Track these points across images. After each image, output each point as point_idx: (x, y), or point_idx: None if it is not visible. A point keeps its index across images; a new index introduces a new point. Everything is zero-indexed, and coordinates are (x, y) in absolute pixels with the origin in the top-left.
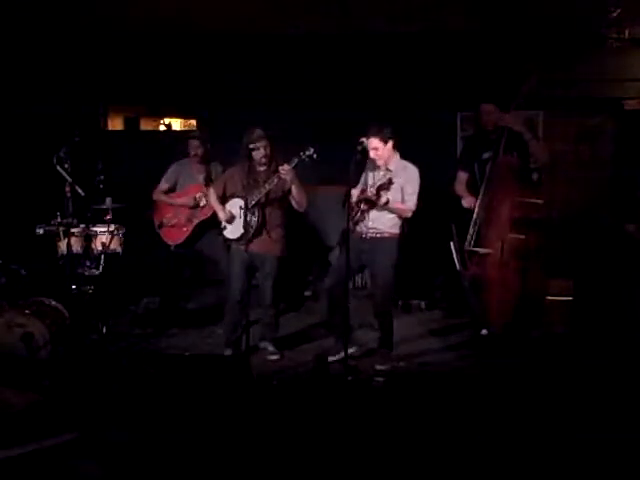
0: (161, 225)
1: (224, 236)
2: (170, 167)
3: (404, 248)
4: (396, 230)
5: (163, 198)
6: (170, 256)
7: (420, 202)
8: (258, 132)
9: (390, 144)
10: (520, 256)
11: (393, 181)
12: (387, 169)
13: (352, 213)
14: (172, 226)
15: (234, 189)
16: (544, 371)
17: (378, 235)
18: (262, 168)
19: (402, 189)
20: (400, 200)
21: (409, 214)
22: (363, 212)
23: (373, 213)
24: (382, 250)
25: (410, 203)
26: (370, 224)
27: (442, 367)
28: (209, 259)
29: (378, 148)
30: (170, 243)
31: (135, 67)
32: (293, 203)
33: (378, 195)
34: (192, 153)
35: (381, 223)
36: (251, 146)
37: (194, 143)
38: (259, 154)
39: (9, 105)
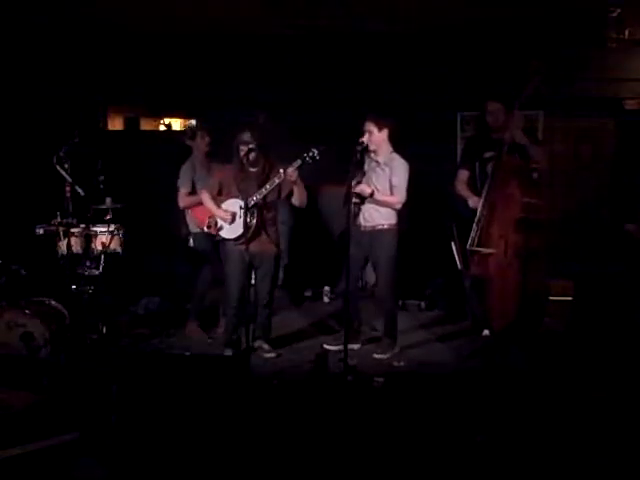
0: (210, 226)
1: (220, 236)
2: (181, 171)
3: (403, 244)
4: (393, 220)
5: (194, 200)
6: (185, 254)
7: (410, 197)
8: (245, 135)
9: (384, 133)
10: (522, 256)
11: (381, 173)
12: (376, 161)
13: (351, 206)
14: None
15: (229, 189)
16: (544, 371)
17: (376, 227)
18: (253, 169)
19: (390, 181)
20: (388, 192)
21: (397, 206)
22: (357, 205)
23: (366, 205)
24: (381, 241)
25: (397, 195)
26: (367, 215)
27: (442, 367)
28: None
29: (372, 132)
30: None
31: (135, 67)
32: (295, 202)
33: (368, 186)
34: (202, 146)
35: (376, 215)
36: (240, 147)
37: (203, 134)
38: (243, 155)
39: (9, 105)
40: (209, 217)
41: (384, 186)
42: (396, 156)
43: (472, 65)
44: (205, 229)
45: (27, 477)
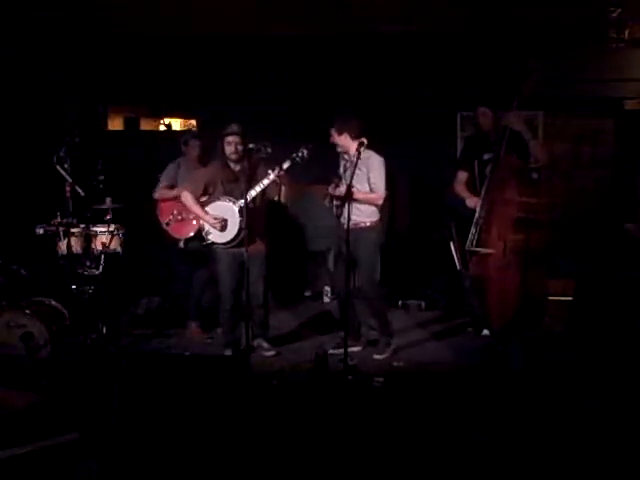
0: (169, 222)
1: (209, 240)
2: (168, 166)
3: (403, 243)
4: (374, 217)
5: (169, 193)
6: (182, 255)
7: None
8: (233, 126)
9: (345, 136)
10: (522, 256)
11: (358, 172)
12: (351, 162)
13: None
14: (181, 220)
15: (214, 188)
16: (544, 371)
17: (358, 225)
18: (237, 167)
19: (368, 178)
20: (368, 189)
21: (379, 201)
22: (339, 206)
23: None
24: (363, 239)
25: (377, 192)
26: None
27: (442, 367)
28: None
29: (332, 136)
30: (180, 238)
31: (135, 67)
32: (280, 200)
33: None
34: (193, 153)
35: (357, 213)
36: (227, 139)
37: (195, 143)
38: (229, 149)
39: (9, 105)
40: (172, 213)
41: (363, 185)
42: (371, 153)
43: (472, 65)
44: (164, 226)
45: (27, 477)
